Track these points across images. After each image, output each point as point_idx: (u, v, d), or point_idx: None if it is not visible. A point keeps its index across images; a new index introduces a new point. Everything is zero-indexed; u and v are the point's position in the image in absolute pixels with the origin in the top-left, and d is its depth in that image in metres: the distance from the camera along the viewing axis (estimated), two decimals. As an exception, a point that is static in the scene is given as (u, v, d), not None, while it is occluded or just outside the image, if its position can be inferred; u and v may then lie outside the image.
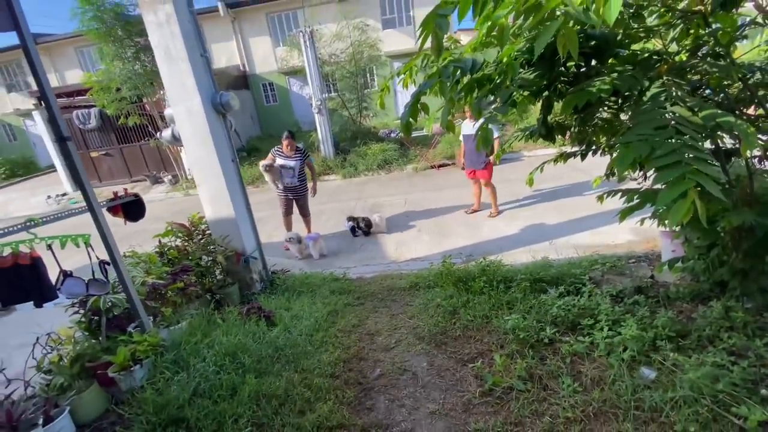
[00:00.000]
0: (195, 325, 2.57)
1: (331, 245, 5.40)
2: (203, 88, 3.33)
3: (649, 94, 1.58)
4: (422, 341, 2.64)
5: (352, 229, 5.64)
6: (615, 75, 1.58)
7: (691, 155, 1.24)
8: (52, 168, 14.60)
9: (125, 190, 2.57)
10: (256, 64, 16.36)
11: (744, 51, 2.73)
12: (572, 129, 2.75)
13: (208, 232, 3.73)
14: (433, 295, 3.23)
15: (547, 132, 2.68)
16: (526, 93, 1.56)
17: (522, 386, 2.03)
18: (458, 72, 1.75)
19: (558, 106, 2.51)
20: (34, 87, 3.61)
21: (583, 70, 1.92)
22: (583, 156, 3.14)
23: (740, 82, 2.03)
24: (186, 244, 3.56)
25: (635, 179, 3.10)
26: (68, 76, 16.85)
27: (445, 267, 3.48)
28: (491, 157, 5.42)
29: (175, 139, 3.42)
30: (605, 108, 2.12)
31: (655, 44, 2.40)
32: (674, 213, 1.21)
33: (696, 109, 1.44)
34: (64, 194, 11.58)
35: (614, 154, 2.97)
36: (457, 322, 2.75)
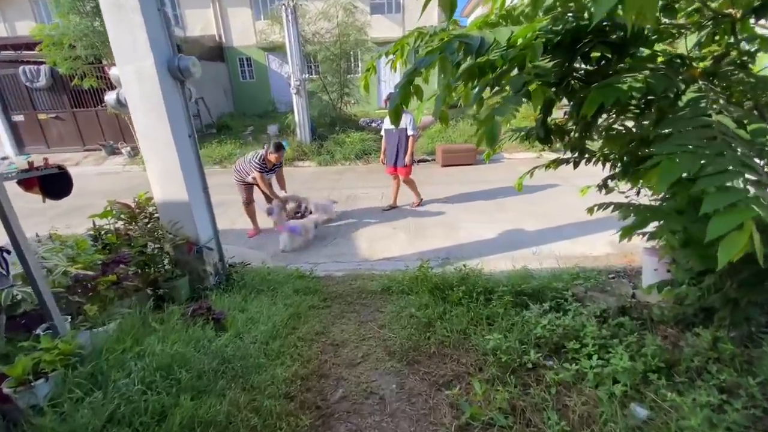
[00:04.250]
0: (126, 328, 2.15)
1: (298, 239, 5.01)
2: (158, 47, 2.85)
3: (685, 98, 1.33)
4: (393, 357, 2.35)
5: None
6: (647, 73, 1.32)
7: (749, 178, 1.00)
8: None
9: (45, 160, 2.10)
10: (233, 36, 15.40)
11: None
12: (572, 134, 2.52)
13: (156, 215, 3.27)
14: (407, 302, 2.95)
15: (545, 135, 2.43)
16: (539, 83, 1.28)
17: (503, 421, 1.79)
18: (462, 50, 1.44)
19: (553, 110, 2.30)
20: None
21: (602, 64, 1.66)
22: (576, 164, 2.94)
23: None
24: (129, 227, 3.09)
25: (623, 192, 2.94)
26: (19, 28, 15.23)
27: (422, 272, 3.20)
28: (407, 157, 5.37)
29: (121, 105, 2.92)
30: (629, 112, 1.88)
31: (673, 48, 2.19)
32: (727, 247, 0.97)
33: (745, 122, 1.20)
34: (4, 158, 10.43)
35: (616, 165, 2.80)
36: (432, 336, 2.48)
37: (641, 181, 2.34)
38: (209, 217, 3.34)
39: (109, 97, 2.97)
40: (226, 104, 15.08)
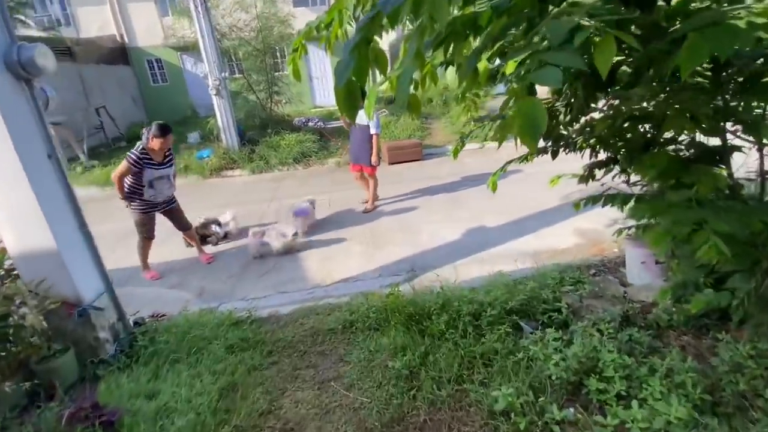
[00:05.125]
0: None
1: (232, 265, 4.16)
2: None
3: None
4: (370, 438, 1.73)
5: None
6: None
7: None
8: None
9: None
10: (137, 36, 13.56)
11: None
12: (561, 117, 2.06)
13: (15, 272, 2.32)
14: (378, 344, 2.33)
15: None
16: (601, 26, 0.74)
17: None
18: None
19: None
20: None
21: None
22: (555, 154, 2.51)
23: None
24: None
25: (599, 181, 2.59)
26: None
27: (391, 300, 2.60)
28: (373, 157, 4.93)
29: None
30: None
31: None
32: None
33: None
34: None
35: (599, 152, 2.40)
36: (419, 394, 1.90)
37: (648, 169, 1.96)
38: (94, 263, 2.44)
39: None
40: (136, 112, 13.25)
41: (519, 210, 4.92)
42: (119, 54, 13.29)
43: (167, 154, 3.73)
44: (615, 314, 2.36)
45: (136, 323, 2.71)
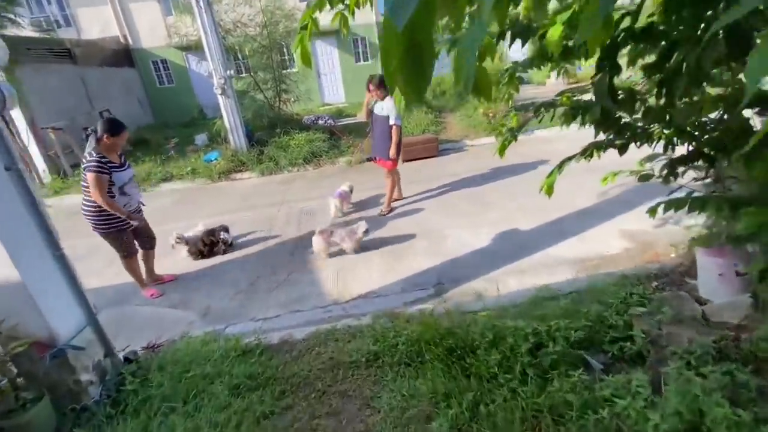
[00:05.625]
0: None
1: (239, 279, 3.78)
2: None
3: None
4: None
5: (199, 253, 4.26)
6: None
7: None
8: None
9: None
10: (141, 37, 13.32)
11: None
12: (651, 101, 1.60)
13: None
14: (412, 386, 1.91)
15: (614, 102, 1.48)
16: None
17: None
18: None
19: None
20: None
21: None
22: (624, 148, 2.04)
23: None
24: None
25: (666, 178, 2.11)
26: None
27: (425, 327, 2.17)
28: (391, 150, 4.52)
29: None
30: None
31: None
32: None
33: None
34: None
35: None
36: (472, 463, 1.48)
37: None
38: (72, 293, 2.06)
39: None
40: (142, 115, 13.03)
41: (553, 210, 4.43)
42: (123, 56, 13.06)
43: (120, 153, 3.30)
44: (706, 346, 1.89)
45: (126, 359, 2.33)
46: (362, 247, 4.04)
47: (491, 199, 5.04)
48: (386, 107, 4.50)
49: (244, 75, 10.22)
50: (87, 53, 10.89)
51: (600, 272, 3.17)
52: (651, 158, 2.23)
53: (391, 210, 5.02)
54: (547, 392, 1.64)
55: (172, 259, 4.29)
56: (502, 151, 1.94)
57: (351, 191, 5.16)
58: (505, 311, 2.43)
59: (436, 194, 5.50)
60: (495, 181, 5.71)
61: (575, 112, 1.61)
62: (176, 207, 6.39)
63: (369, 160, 7.89)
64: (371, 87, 4.49)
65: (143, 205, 3.57)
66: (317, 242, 3.88)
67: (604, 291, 2.54)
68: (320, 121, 9.59)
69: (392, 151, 4.58)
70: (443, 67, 14.02)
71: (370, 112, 4.71)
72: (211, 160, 7.97)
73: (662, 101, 1.44)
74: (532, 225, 4.21)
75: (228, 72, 7.64)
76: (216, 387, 2.08)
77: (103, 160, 3.06)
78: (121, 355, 2.35)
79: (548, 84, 13.24)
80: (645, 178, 2.38)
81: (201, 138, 9.59)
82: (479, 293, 3.12)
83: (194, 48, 10.65)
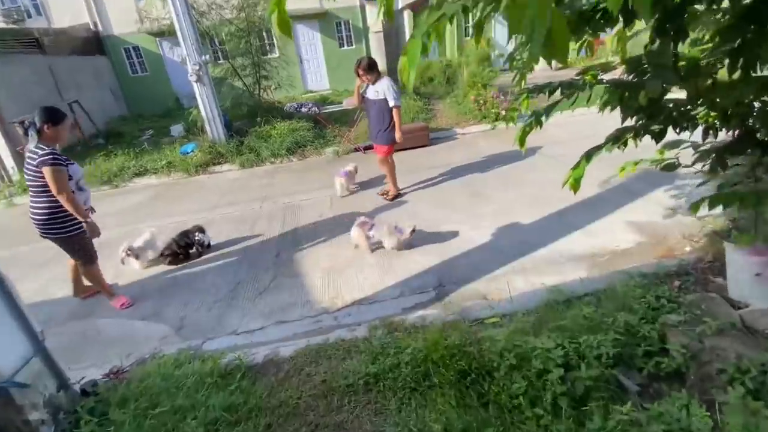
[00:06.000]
0: None
1: (219, 286, 3.43)
2: None
3: None
4: None
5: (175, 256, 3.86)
6: None
7: None
8: None
9: None
10: (112, 23, 12.49)
11: None
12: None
13: None
14: (421, 419, 1.63)
15: (678, 77, 1.19)
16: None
17: None
18: None
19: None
20: None
21: None
22: (660, 136, 1.77)
23: None
24: None
25: (714, 169, 1.85)
26: None
27: (432, 344, 1.89)
28: (396, 133, 4.29)
29: None
30: None
31: None
32: None
33: None
34: None
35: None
36: None
37: None
38: (13, 320, 1.70)
39: None
40: (115, 106, 12.29)
41: (554, 201, 4.19)
42: (94, 44, 12.24)
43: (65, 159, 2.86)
44: (753, 359, 1.65)
45: (84, 392, 1.98)
46: (355, 245, 3.72)
47: (488, 191, 4.77)
48: (381, 90, 4.19)
49: (222, 62, 9.64)
50: (55, 42, 10.12)
51: (613, 269, 2.95)
52: (674, 145, 1.97)
53: (399, 195, 4.87)
54: (587, 430, 1.38)
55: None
56: (522, 139, 1.64)
57: (356, 171, 5.22)
58: (519, 322, 2.16)
59: (430, 185, 5.21)
60: (489, 171, 5.44)
61: (620, 91, 1.31)
62: (151, 204, 5.93)
63: (356, 150, 7.55)
64: (360, 71, 4.15)
65: (93, 211, 3.19)
66: (358, 236, 3.57)
67: (625, 294, 2.29)
68: (303, 109, 9.12)
69: (398, 134, 4.34)
70: (432, 54, 13.62)
71: (362, 98, 4.39)
72: (188, 152, 7.48)
73: (734, 75, 1.15)
74: (532, 217, 3.96)
75: (203, 57, 7.10)
76: (188, 425, 1.76)
77: (56, 151, 2.70)
78: (77, 387, 2.00)
79: (536, 69, 12.98)
80: (669, 167, 2.12)
81: (177, 129, 9.04)
82: (484, 296, 2.86)
83: (168, 33, 10.00)
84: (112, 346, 2.83)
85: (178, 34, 6.97)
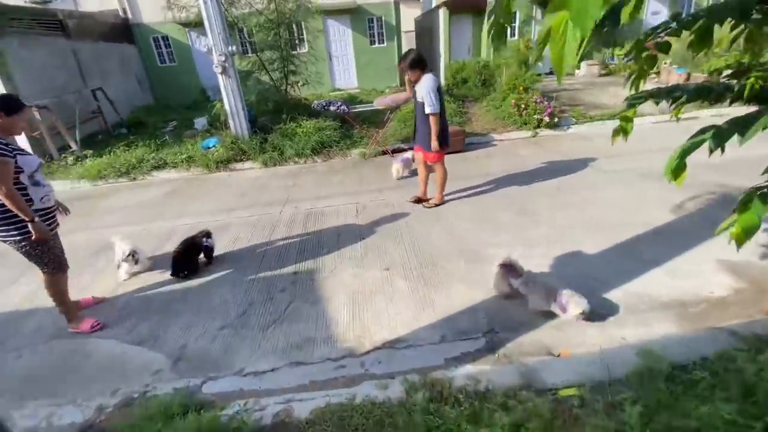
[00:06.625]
0: None
1: (228, 307, 2.96)
2: None
3: None
4: None
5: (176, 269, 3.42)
6: None
7: None
8: None
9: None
10: (142, 11, 12.38)
11: None
12: None
13: None
14: None
15: None
16: None
17: None
18: None
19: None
20: None
21: None
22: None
23: None
24: None
25: None
26: None
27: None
28: (432, 142, 3.86)
29: None
30: None
31: None
32: None
33: None
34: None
35: None
36: None
37: None
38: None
39: None
40: (141, 95, 12.18)
41: (619, 227, 3.57)
42: (122, 31, 12.15)
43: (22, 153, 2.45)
44: None
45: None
46: (385, 267, 3.21)
47: (537, 209, 4.17)
48: (420, 92, 3.69)
49: (249, 55, 9.30)
50: (81, 26, 10.00)
51: (711, 325, 2.33)
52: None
53: (443, 201, 4.47)
54: None
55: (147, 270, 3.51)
56: (679, 170, 1.07)
57: (413, 159, 5.04)
58: (614, 405, 1.59)
59: (466, 197, 4.64)
60: (535, 184, 4.83)
61: None
62: (166, 201, 5.58)
63: (384, 152, 7.03)
64: (403, 67, 3.73)
65: (52, 207, 2.65)
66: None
67: (746, 369, 1.69)
68: (332, 107, 8.67)
69: (433, 144, 3.88)
70: (464, 52, 12.92)
71: (414, 93, 3.99)
72: (209, 147, 7.13)
73: None
74: (597, 247, 3.34)
75: (230, 48, 6.74)
76: None
77: (2, 141, 2.30)
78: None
79: (576, 75, 12.17)
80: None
81: (200, 122, 8.74)
82: (549, 350, 2.29)
83: (196, 24, 9.72)
84: (98, 377, 2.40)
85: (205, 22, 6.63)
